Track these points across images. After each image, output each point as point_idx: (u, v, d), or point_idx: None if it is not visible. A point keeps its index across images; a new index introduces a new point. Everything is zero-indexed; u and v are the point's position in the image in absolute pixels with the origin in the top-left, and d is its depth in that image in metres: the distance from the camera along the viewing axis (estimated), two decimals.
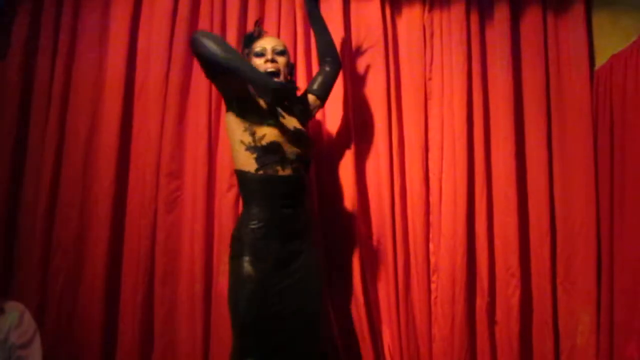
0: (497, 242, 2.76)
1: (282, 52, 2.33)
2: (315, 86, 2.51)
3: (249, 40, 2.40)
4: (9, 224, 2.73)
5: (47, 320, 2.62)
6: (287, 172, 2.16)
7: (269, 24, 2.81)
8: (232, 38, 2.78)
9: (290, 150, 2.18)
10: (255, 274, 2.07)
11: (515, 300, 2.68)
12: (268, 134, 2.14)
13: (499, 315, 2.72)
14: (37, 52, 2.81)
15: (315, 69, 2.79)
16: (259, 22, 2.54)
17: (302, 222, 2.22)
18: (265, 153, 2.14)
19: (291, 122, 2.27)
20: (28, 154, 2.77)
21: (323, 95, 2.52)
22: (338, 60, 2.58)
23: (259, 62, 2.29)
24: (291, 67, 2.40)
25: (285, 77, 2.31)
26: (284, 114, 2.23)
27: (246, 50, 2.38)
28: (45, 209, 2.69)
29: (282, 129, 2.18)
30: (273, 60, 2.28)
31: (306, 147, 2.26)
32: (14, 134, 2.75)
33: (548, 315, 2.70)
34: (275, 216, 2.14)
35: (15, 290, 2.65)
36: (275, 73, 2.27)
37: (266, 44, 2.33)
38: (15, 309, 2.20)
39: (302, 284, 2.15)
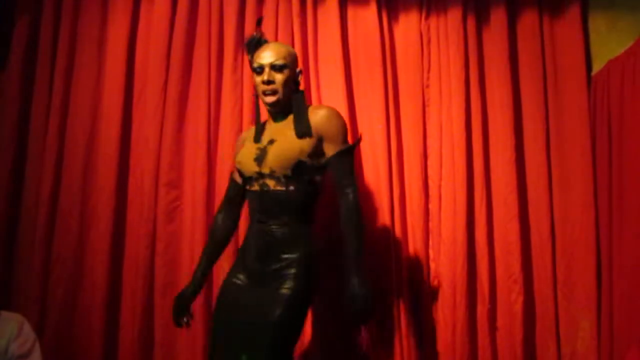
0: (499, 248, 2.75)
1: (282, 67, 2.15)
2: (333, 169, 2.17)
3: (250, 47, 2.25)
4: (9, 235, 2.74)
5: (47, 330, 2.62)
6: (254, 188, 2.17)
7: (267, 31, 2.82)
8: (229, 46, 2.82)
9: (249, 170, 2.17)
10: (226, 280, 2.18)
11: (518, 307, 2.67)
12: (238, 157, 2.23)
13: (502, 321, 2.70)
14: (36, 61, 2.84)
15: (313, 75, 2.83)
16: (260, 22, 2.38)
17: (277, 237, 2.10)
18: (240, 173, 2.23)
19: (269, 138, 2.19)
20: (28, 164, 2.79)
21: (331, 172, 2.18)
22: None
23: (257, 80, 2.17)
24: (296, 77, 2.23)
25: (286, 95, 2.17)
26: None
27: (249, 57, 2.26)
28: (45, 219, 2.70)
29: (247, 149, 2.21)
30: (269, 82, 2.14)
31: (268, 163, 2.11)
32: (14, 143, 2.77)
33: (550, 321, 2.68)
34: (250, 230, 2.19)
35: (16, 301, 2.66)
36: (273, 92, 2.16)
37: (264, 58, 2.16)
38: (14, 320, 2.20)
39: (270, 299, 2.02)
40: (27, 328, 2.22)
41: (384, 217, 2.75)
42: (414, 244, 2.77)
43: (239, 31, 2.85)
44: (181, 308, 2.27)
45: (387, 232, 2.73)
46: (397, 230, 2.75)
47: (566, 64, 2.83)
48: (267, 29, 2.83)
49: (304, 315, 2.12)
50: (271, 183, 2.12)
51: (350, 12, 2.92)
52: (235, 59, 2.82)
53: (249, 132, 2.34)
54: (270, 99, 2.17)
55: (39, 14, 2.87)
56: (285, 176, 2.11)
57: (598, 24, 2.88)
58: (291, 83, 2.21)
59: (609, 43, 2.80)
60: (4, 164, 2.76)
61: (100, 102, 2.83)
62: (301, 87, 2.27)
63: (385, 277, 2.71)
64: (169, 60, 2.82)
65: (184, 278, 2.68)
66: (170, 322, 2.64)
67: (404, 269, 2.73)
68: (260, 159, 2.14)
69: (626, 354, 2.24)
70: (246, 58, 2.77)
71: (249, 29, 2.83)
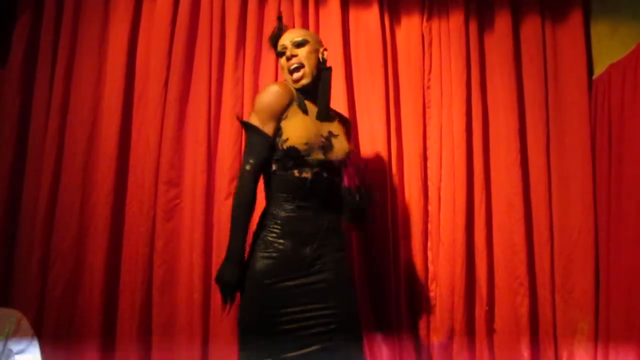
0: (503, 250, 2.75)
1: (302, 43, 2.18)
2: None
3: (273, 40, 2.27)
4: (9, 233, 2.74)
5: (46, 327, 2.62)
6: (305, 175, 2.10)
7: (268, 31, 2.83)
8: (231, 45, 2.82)
9: (313, 157, 2.11)
10: (263, 270, 2.04)
11: (524, 310, 2.67)
12: (291, 137, 2.09)
13: (505, 324, 2.70)
14: (37, 61, 2.84)
15: None
16: (281, 18, 2.36)
17: (323, 225, 2.11)
18: (285, 156, 2.10)
19: (325, 128, 2.18)
20: (27, 162, 2.78)
21: None
22: None
23: (283, 63, 2.20)
24: (321, 54, 2.21)
25: (312, 71, 2.16)
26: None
27: (275, 50, 2.27)
28: (45, 217, 2.69)
29: (310, 134, 2.12)
30: (292, 56, 2.17)
31: (335, 154, 2.15)
32: (14, 142, 2.77)
33: (548, 324, 2.69)
34: (291, 216, 2.09)
35: (14, 299, 2.65)
36: (299, 67, 2.16)
37: (285, 39, 2.20)
38: (12, 316, 2.20)
39: (325, 288, 2.05)
40: (25, 324, 2.22)
41: (382, 218, 2.74)
42: (412, 246, 2.77)
43: (241, 30, 2.85)
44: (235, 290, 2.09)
45: (385, 234, 2.73)
46: (396, 232, 2.75)
47: (567, 68, 2.84)
48: (269, 29, 2.84)
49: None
50: (327, 172, 2.14)
51: (352, 12, 2.93)
52: (237, 58, 2.82)
53: (286, 89, 2.17)
54: (297, 74, 2.17)
55: (40, 12, 2.87)
56: (340, 166, 2.19)
57: (600, 29, 2.88)
58: (316, 58, 2.20)
59: (610, 48, 2.80)
60: (4, 162, 2.75)
61: (101, 100, 2.83)
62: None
63: (383, 278, 2.72)
64: (170, 58, 2.82)
65: (183, 276, 2.69)
66: (169, 319, 2.64)
67: (402, 270, 2.73)
68: (326, 148, 2.14)
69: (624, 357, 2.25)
70: (247, 57, 2.81)
71: (251, 28, 2.83)
